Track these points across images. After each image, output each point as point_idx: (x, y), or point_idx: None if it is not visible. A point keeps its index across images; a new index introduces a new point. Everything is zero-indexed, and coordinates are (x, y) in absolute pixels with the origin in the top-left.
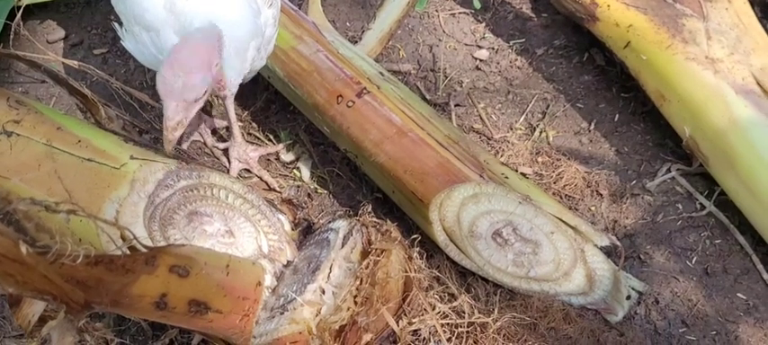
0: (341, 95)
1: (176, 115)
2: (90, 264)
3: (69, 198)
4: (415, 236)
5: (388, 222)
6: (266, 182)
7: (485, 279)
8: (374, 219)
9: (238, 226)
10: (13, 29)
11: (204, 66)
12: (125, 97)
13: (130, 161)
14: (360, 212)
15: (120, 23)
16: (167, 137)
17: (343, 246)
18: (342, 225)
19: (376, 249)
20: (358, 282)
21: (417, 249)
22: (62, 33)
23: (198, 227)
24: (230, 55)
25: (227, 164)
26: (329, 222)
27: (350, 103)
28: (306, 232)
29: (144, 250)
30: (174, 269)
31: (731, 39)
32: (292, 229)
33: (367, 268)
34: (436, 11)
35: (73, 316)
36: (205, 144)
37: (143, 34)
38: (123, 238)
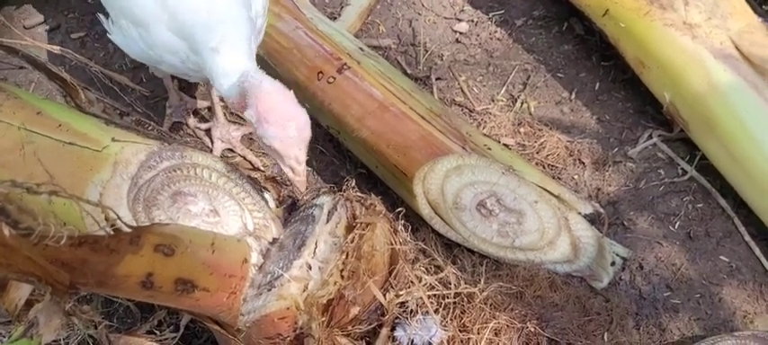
0: (321, 72)
1: (303, 157)
2: (74, 245)
3: (51, 182)
4: (400, 209)
5: (373, 196)
6: (250, 161)
7: (471, 251)
8: (358, 194)
9: (223, 205)
10: None
11: (297, 104)
12: (105, 80)
13: (112, 143)
14: (344, 187)
15: (106, 15)
16: (302, 180)
17: (327, 221)
18: (326, 200)
19: (361, 223)
20: (344, 256)
21: (402, 222)
22: (40, 18)
23: (182, 207)
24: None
25: (210, 145)
26: (313, 198)
27: (330, 79)
28: (291, 209)
29: (128, 229)
30: (159, 248)
31: (709, 4)
32: (277, 206)
33: (352, 242)
34: None
35: (59, 298)
36: (187, 125)
37: (131, 29)
38: (107, 219)
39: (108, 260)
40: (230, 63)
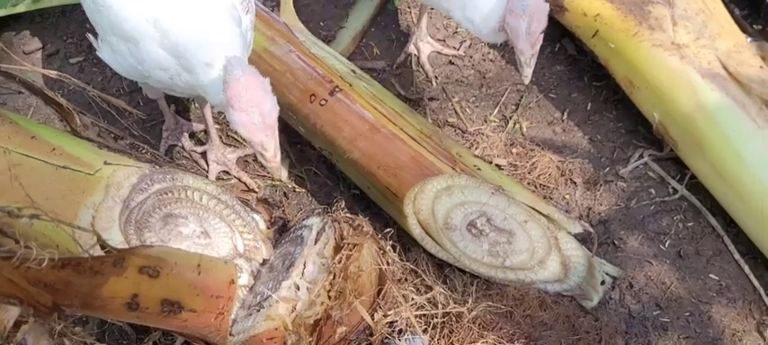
0: (314, 94)
1: (270, 143)
2: (57, 267)
3: (44, 204)
4: (389, 230)
5: (360, 217)
6: (245, 183)
7: (462, 270)
8: (347, 215)
9: (213, 227)
10: None
11: (266, 91)
12: (102, 104)
13: (104, 166)
14: (333, 208)
15: (96, 35)
16: (275, 166)
17: (316, 242)
18: (315, 221)
19: (348, 243)
20: (331, 277)
21: (391, 242)
22: (38, 44)
23: (173, 229)
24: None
25: (206, 167)
26: (303, 219)
27: (323, 102)
28: (281, 230)
29: (112, 251)
30: (144, 269)
31: (697, 24)
32: (268, 228)
33: (339, 262)
34: (408, 7)
35: (42, 319)
36: (183, 148)
37: (121, 44)
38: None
39: (92, 282)
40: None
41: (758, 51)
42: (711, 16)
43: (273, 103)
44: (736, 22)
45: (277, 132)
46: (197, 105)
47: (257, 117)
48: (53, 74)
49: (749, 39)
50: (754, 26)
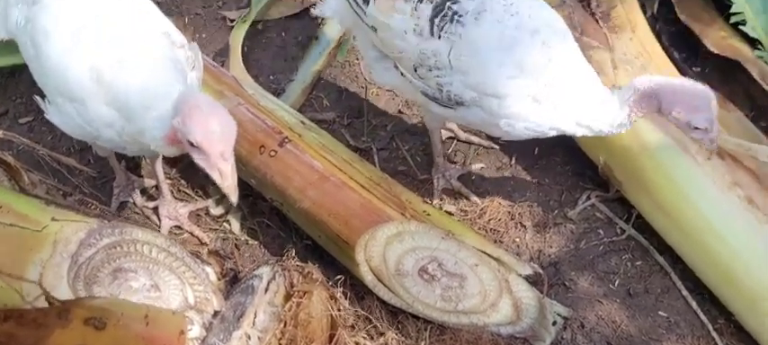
0: (263, 145)
1: (228, 156)
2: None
3: None
4: (339, 277)
5: (310, 265)
6: (197, 237)
7: (415, 316)
8: (297, 263)
9: (164, 280)
10: None
11: (225, 110)
12: (53, 163)
13: (52, 223)
14: (284, 257)
15: (43, 97)
16: (231, 185)
17: (266, 291)
18: (265, 271)
19: (298, 291)
20: (282, 325)
21: (342, 289)
22: None
23: (123, 283)
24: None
25: (158, 223)
26: (254, 270)
27: (272, 153)
28: (233, 281)
29: (57, 303)
30: (90, 321)
31: (637, 67)
32: (219, 279)
33: (290, 310)
34: (357, 59)
35: None
36: (135, 203)
37: (68, 105)
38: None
39: (36, 335)
40: (163, 113)
41: None
42: (650, 59)
43: (232, 119)
44: (675, 64)
45: (233, 153)
46: (148, 161)
47: (217, 125)
48: (0, 133)
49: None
50: (694, 68)
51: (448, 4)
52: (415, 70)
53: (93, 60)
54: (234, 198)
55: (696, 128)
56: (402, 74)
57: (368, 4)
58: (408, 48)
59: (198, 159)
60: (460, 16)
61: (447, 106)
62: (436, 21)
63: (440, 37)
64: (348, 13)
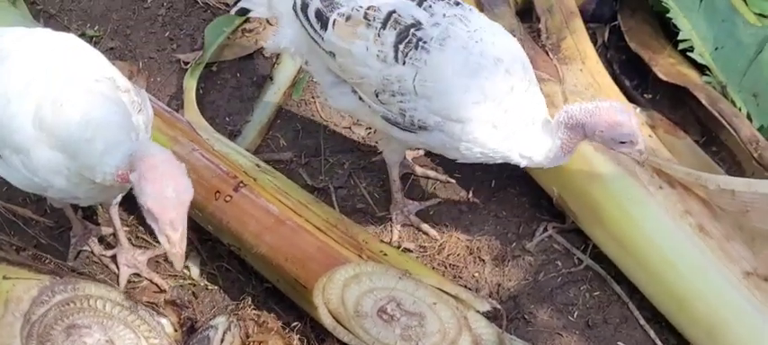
0: (219, 191)
1: (179, 224)
2: None
3: None
4: (296, 324)
5: (266, 313)
6: (157, 284)
7: None
8: (253, 312)
9: (118, 335)
10: None
11: (182, 170)
12: (8, 215)
13: (3, 281)
14: (240, 306)
15: None
16: (178, 254)
17: (222, 343)
18: (221, 321)
19: (253, 341)
20: None
21: (299, 336)
22: None
23: (77, 340)
24: None
25: (117, 271)
26: (210, 320)
27: (227, 198)
28: (191, 331)
29: None
30: None
31: (587, 98)
32: (175, 331)
33: None
34: (313, 97)
35: None
36: (93, 252)
37: (13, 157)
38: None
39: None
40: (107, 144)
41: (648, 120)
42: (600, 90)
43: (189, 184)
44: (626, 93)
45: (186, 219)
46: (104, 209)
47: (172, 191)
48: None
49: (639, 110)
50: (645, 95)
51: (412, 30)
52: (377, 96)
53: (37, 108)
54: (179, 265)
55: (622, 143)
56: (360, 98)
57: (325, 29)
58: (371, 73)
59: (148, 219)
60: (425, 42)
61: (409, 130)
62: (401, 47)
63: (405, 63)
64: (304, 39)
